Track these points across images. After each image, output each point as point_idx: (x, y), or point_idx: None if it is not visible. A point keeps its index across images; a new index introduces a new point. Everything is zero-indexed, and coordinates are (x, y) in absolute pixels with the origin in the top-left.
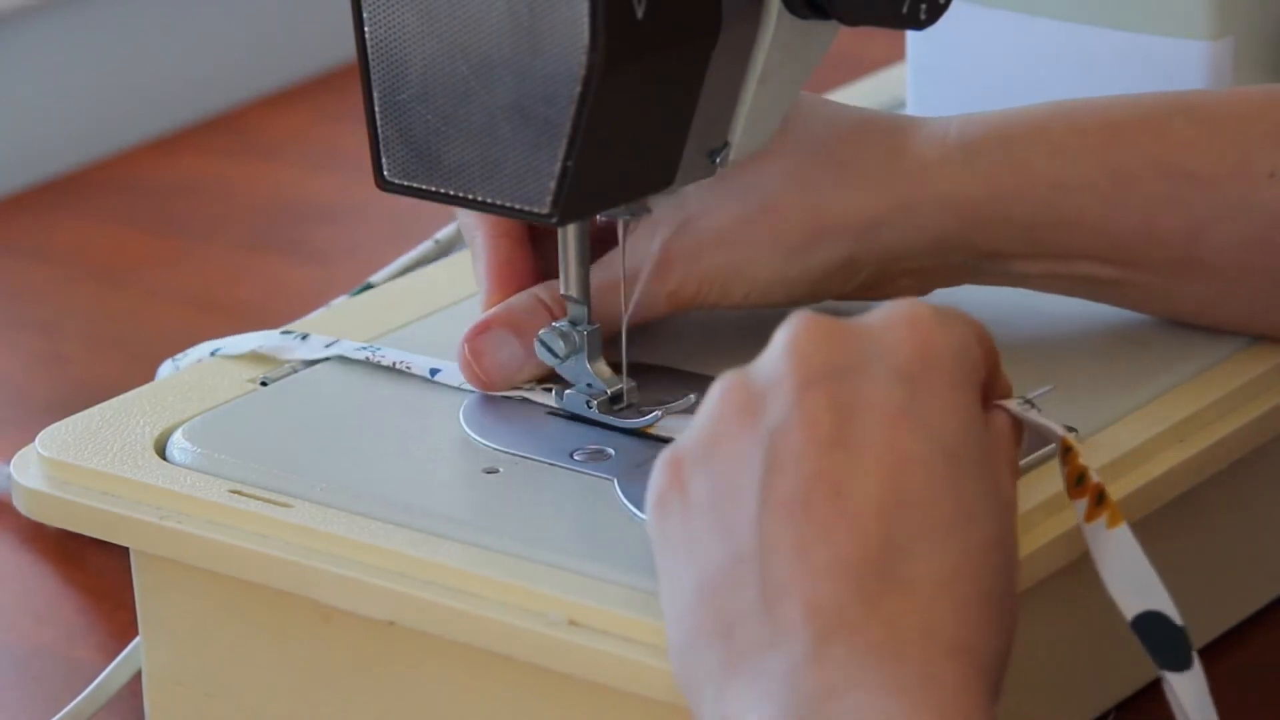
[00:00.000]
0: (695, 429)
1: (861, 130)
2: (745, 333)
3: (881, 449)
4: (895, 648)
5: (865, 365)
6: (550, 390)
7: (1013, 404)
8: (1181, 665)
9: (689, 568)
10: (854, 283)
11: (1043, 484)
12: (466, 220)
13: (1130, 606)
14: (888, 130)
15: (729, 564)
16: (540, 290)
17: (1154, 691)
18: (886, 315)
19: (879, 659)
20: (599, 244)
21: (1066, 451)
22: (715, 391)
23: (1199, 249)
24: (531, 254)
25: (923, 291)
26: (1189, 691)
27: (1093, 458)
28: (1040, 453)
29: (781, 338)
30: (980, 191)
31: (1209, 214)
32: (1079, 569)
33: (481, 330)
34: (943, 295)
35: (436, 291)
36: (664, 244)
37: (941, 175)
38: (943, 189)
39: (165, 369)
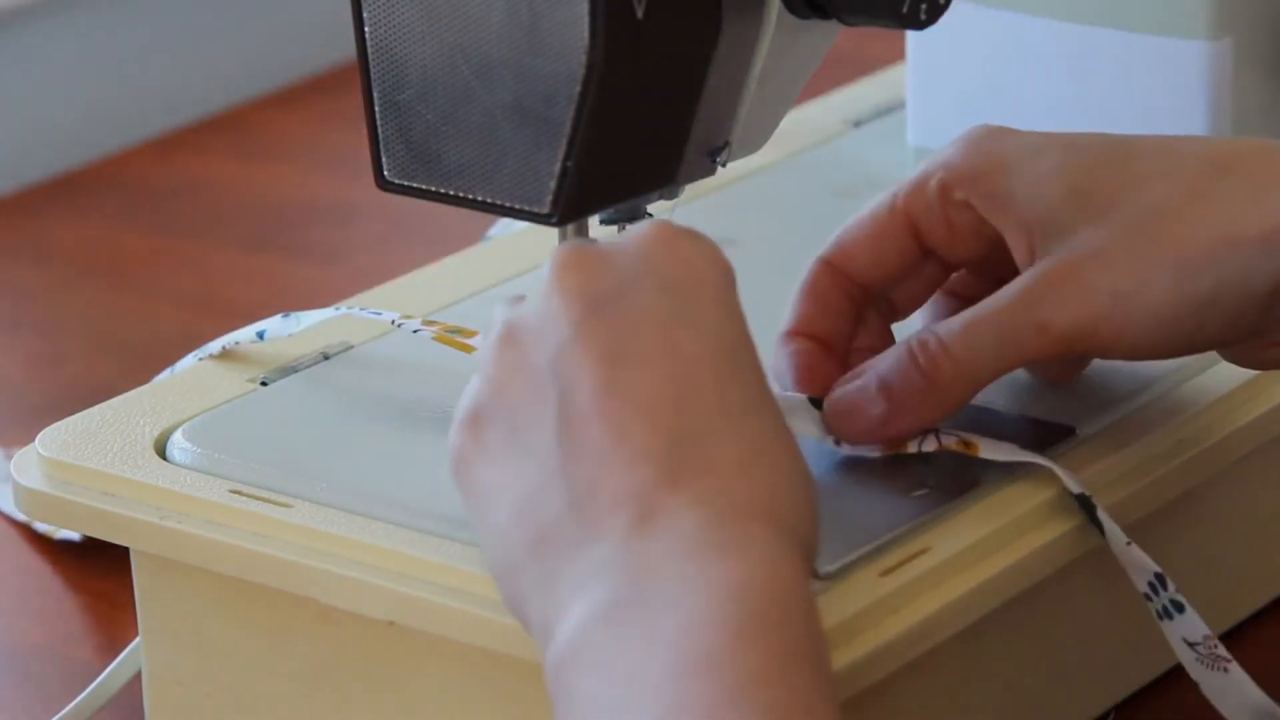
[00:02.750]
0: (481, 384)
1: (1253, 144)
2: None
3: (665, 352)
4: (706, 519)
5: (634, 284)
6: None
7: None
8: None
9: (499, 504)
10: (1272, 328)
11: (1041, 486)
12: None
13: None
14: (1265, 143)
15: (535, 484)
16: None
17: (1154, 691)
18: (640, 235)
19: (691, 530)
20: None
21: None
22: (491, 343)
23: None
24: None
25: None
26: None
27: (1093, 458)
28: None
29: (545, 273)
30: None
31: None
32: (1078, 570)
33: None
34: None
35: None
36: (1040, 271)
37: None
38: None
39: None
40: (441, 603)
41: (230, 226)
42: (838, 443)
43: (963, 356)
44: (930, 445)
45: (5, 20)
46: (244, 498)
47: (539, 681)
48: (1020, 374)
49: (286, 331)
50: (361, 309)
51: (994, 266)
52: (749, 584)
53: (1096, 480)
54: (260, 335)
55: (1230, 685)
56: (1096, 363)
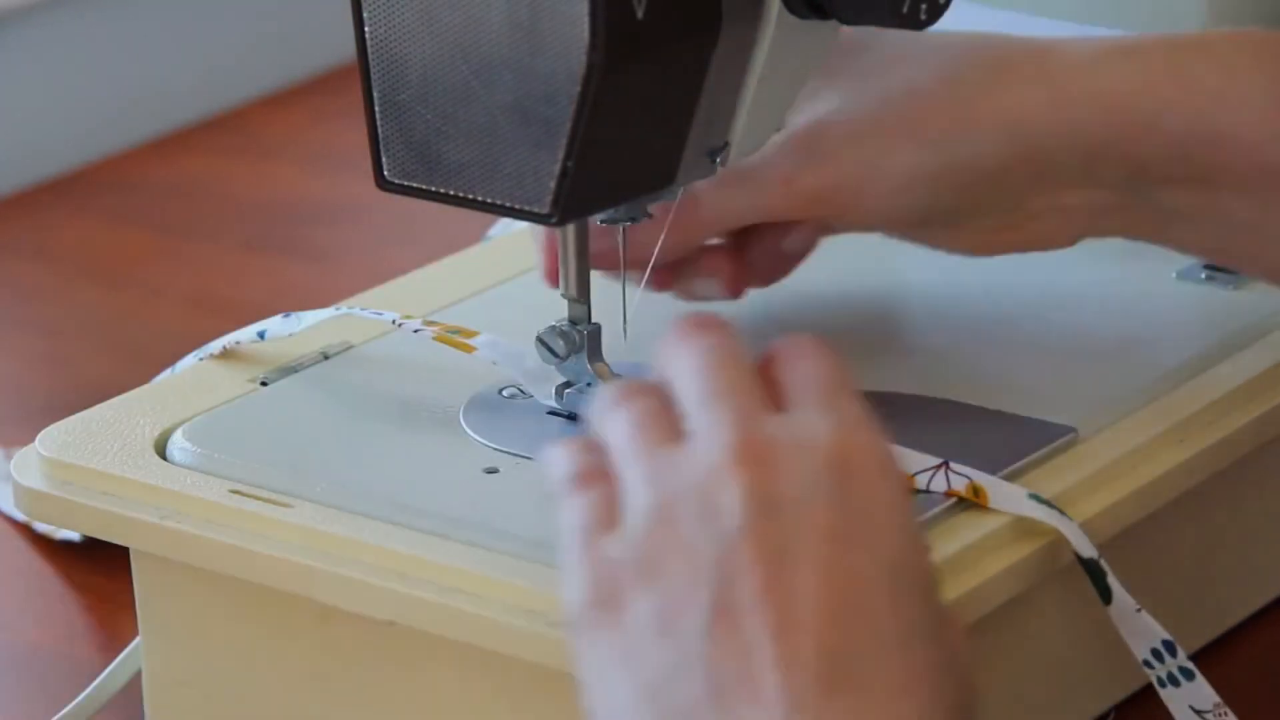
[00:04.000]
0: (625, 554)
1: (1009, 38)
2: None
3: (832, 568)
4: None
5: (810, 496)
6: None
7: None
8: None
9: (625, 676)
10: (996, 208)
11: (1039, 486)
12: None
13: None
14: (1039, 39)
15: (671, 668)
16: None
17: (1154, 691)
18: (825, 441)
19: None
20: None
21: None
22: (643, 513)
23: None
24: None
25: (1067, 236)
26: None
27: (1093, 458)
28: (1032, 457)
29: (716, 452)
30: (1136, 90)
31: None
32: (1079, 570)
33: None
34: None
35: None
36: (790, 132)
37: (1098, 71)
38: (1098, 84)
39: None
40: (441, 603)
41: (230, 226)
42: None
43: (710, 202)
44: (940, 485)
45: (5, 20)
46: (244, 498)
47: (539, 682)
48: (1020, 374)
49: (287, 331)
50: (361, 309)
51: None
52: None
53: (1097, 480)
54: (261, 335)
55: None
56: (1097, 362)
